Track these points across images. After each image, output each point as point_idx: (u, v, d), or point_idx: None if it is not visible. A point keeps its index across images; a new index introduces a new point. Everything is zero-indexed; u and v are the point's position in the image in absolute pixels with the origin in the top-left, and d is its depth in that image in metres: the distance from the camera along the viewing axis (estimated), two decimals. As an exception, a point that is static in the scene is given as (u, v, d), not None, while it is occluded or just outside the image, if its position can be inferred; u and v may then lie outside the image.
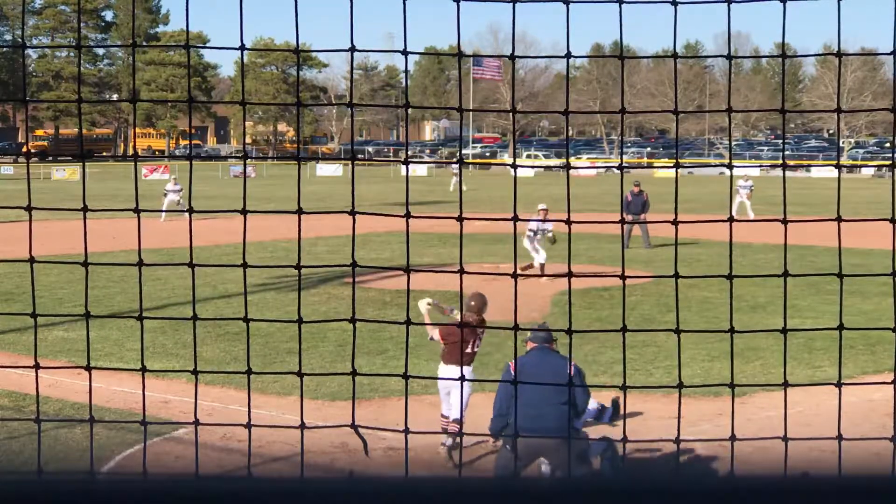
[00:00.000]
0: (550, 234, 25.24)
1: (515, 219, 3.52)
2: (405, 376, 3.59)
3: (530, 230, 24.75)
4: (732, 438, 3.52)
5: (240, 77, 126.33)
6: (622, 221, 4.09)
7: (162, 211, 31.43)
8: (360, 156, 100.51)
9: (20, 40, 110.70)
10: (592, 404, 10.59)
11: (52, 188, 58.33)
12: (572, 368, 9.34)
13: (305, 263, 3.60)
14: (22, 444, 11.30)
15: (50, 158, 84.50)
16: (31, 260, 3.59)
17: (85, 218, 3.50)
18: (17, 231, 29.34)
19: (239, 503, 1.67)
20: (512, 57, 3.48)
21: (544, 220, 23.12)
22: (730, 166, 3.82)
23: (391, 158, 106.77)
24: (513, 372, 8.90)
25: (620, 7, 3.32)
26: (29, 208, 3.53)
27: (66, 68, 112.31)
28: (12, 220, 32.59)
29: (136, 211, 3.57)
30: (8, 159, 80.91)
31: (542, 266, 24.47)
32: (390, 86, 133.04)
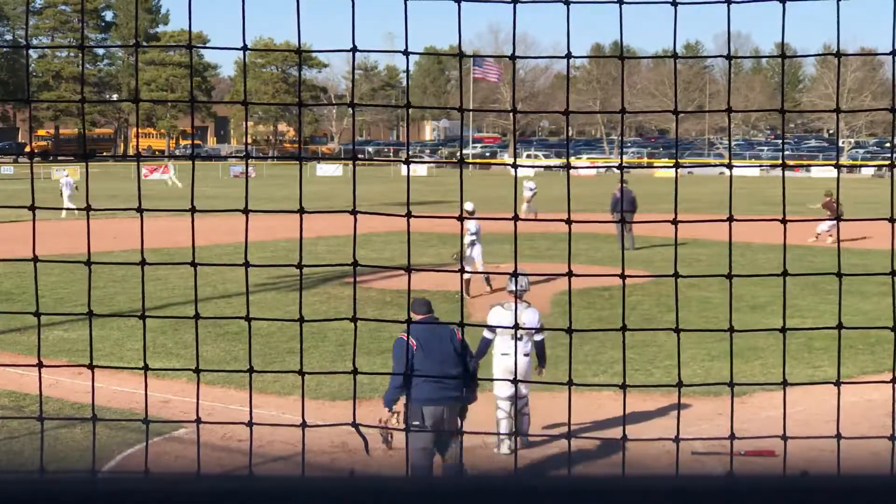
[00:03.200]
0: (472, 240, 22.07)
1: (516, 218, 3.52)
2: (405, 375, 3.60)
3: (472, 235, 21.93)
4: (732, 438, 3.53)
5: (240, 77, 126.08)
6: (622, 221, 4.10)
7: (63, 208, 30.64)
8: (360, 156, 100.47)
9: (21, 40, 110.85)
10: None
11: (52, 188, 58.24)
12: (460, 333, 9.96)
13: (306, 263, 3.61)
14: (22, 444, 11.31)
15: (51, 158, 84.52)
16: (35, 259, 3.59)
17: (88, 217, 3.51)
18: (17, 230, 29.28)
19: (240, 502, 1.67)
20: (513, 57, 3.48)
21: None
22: (730, 166, 3.83)
23: (391, 158, 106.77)
24: (412, 344, 9.58)
25: (621, 7, 3.32)
26: (33, 207, 3.53)
27: (66, 68, 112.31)
28: (12, 219, 32.59)
29: (139, 210, 3.58)
30: (8, 159, 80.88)
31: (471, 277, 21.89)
32: (390, 86, 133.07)
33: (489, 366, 12.00)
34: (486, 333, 11.74)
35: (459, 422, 9.99)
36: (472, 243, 21.76)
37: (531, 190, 38.39)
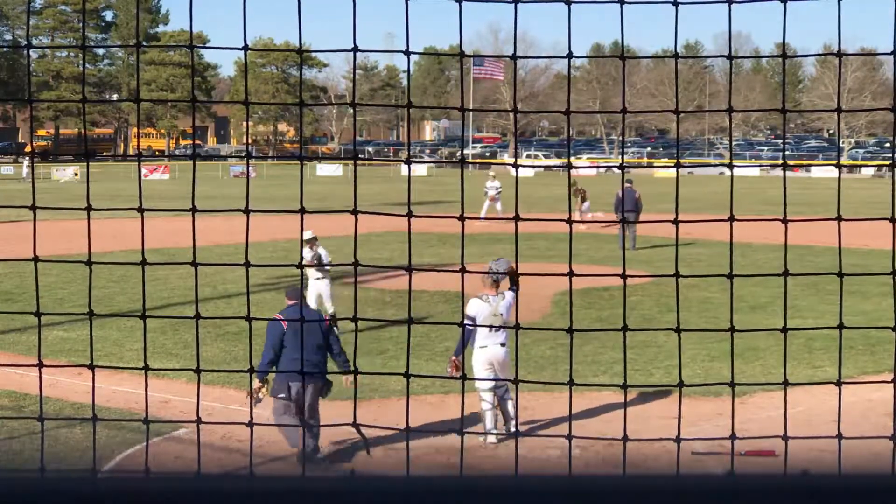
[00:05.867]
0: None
1: (517, 218, 3.52)
2: (406, 375, 3.60)
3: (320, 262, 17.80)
4: (732, 438, 3.52)
5: (240, 77, 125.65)
6: (623, 220, 4.10)
7: None
8: (360, 156, 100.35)
9: (20, 40, 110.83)
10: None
11: (52, 188, 58.34)
12: (328, 321, 11.40)
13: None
14: (22, 444, 11.30)
15: (51, 158, 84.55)
16: (35, 259, 3.59)
17: (89, 217, 3.51)
18: (17, 230, 29.28)
19: (240, 502, 1.67)
20: (514, 57, 3.48)
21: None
22: (730, 166, 3.83)
23: (391, 158, 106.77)
24: (283, 325, 10.71)
25: (622, 7, 3.32)
26: (34, 207, 3.53)
27: (66, 68, 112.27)
28: (12, 219, 32.59)
29: (140, 210, 3.57)
30: (8, 159, 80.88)
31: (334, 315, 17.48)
32: (390, 86, 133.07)
33: (469, 357, 12.06)
34: (468, 325, 11.82)
35: (318, 398, 11.07)
36: (322, 277, 18.40)
37: (496, 189, 38.16)
